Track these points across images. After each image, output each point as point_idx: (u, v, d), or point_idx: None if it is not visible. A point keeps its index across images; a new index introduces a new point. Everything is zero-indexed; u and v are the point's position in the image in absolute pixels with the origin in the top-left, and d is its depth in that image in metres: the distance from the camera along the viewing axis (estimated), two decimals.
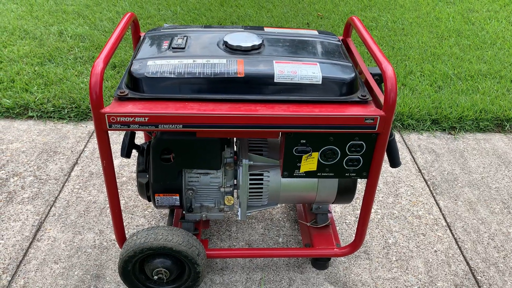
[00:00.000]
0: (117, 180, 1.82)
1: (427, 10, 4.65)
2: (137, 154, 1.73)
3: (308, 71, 1.38)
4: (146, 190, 1.68)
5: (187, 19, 4.14)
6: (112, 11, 4.23)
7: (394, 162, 1.62)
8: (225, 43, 1.49)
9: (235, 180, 1.69)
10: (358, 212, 2.16)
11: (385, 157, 1.51)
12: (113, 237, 1.97)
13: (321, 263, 1.86)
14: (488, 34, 4.14)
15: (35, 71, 3.13)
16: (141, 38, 1.66)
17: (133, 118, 1.30)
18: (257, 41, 1.48)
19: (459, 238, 2.07)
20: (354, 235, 1.97)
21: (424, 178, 2.44)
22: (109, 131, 1.35)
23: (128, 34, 3.46)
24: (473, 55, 3.72)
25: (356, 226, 2.05)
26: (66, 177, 2.30)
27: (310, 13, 4.42)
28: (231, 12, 4.34)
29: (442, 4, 4.84)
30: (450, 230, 2.11)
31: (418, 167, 2.52)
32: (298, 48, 1.53)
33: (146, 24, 4.00)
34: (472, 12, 4.68)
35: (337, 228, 2.07)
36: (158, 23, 4.03)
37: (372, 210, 2.11)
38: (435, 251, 2.00)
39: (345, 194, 1.73)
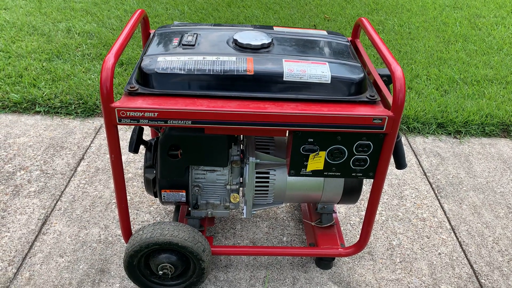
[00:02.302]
0: None
1: (434, 15, 4.65)
2: (144, 150, 1.74)
3: (317, 70, 1.39)
4: (153, 186, 1.69)
5: (194, 18, 4.16)
6: (120, 9, 4.25)
7: (400, 163, 1.63)
8: (235, 41, 1.50)
9: (241, 178, 1.70)
10: (363, 213, 2.16)
11: (391, 159, 1.52)
12: (118, 232, 1.98)
13: (325, 262, 1.86)
14: (495, 40, 4.14)
15: (43, 66, 3.15)
16: (151, 35, 1.67)
17: (142, 113, 1.31)
18: (266, 40, 1.49)
19: (464, 242, 2.07)
20: (358, 236, 1.97)
21: (429, 181, 2.44)
22: (118, 126, 1.36)
23: (136, 32, 3.47)
24: (479, 60, 3.72)
25: (360, 227, 2.06)
26: (72, 172, 2.32)
27: (317, 15, 4.43)
28: (238, 12, 4.35)
29: (449, 9, 4.84)
30: (455, 233, 2.11)
31: (423, 170, 2.52)
32: (307, 48, 1.54)
33: (153, 22, 4.02)
34: (479, 17, 4.68)
35: (342, 228, 2.07)
36: (165, 22, 4.04)
37: (377, 212, 2.12)
38: (439, 253, 2.00)
39: (350, 194, 1.73)
